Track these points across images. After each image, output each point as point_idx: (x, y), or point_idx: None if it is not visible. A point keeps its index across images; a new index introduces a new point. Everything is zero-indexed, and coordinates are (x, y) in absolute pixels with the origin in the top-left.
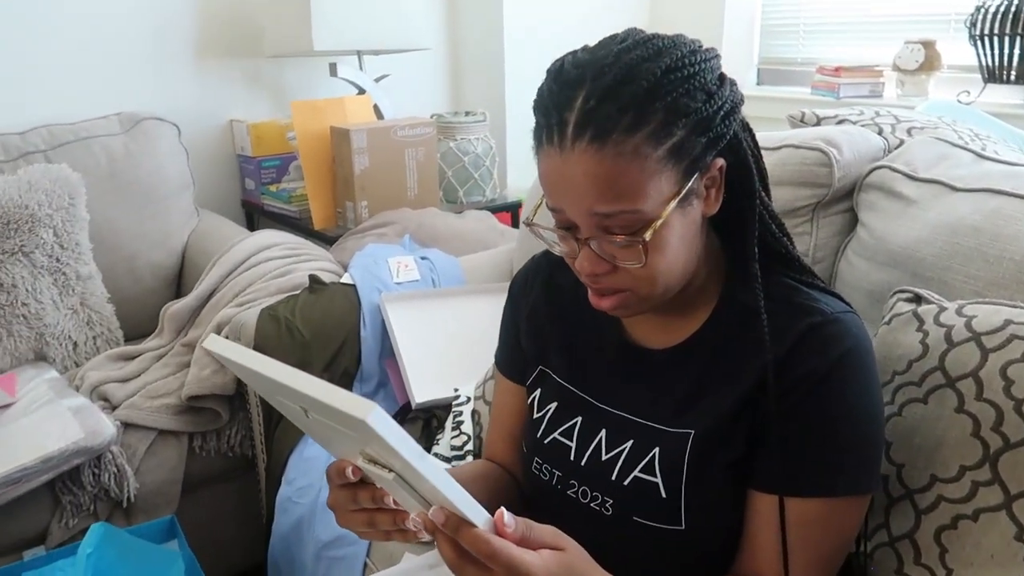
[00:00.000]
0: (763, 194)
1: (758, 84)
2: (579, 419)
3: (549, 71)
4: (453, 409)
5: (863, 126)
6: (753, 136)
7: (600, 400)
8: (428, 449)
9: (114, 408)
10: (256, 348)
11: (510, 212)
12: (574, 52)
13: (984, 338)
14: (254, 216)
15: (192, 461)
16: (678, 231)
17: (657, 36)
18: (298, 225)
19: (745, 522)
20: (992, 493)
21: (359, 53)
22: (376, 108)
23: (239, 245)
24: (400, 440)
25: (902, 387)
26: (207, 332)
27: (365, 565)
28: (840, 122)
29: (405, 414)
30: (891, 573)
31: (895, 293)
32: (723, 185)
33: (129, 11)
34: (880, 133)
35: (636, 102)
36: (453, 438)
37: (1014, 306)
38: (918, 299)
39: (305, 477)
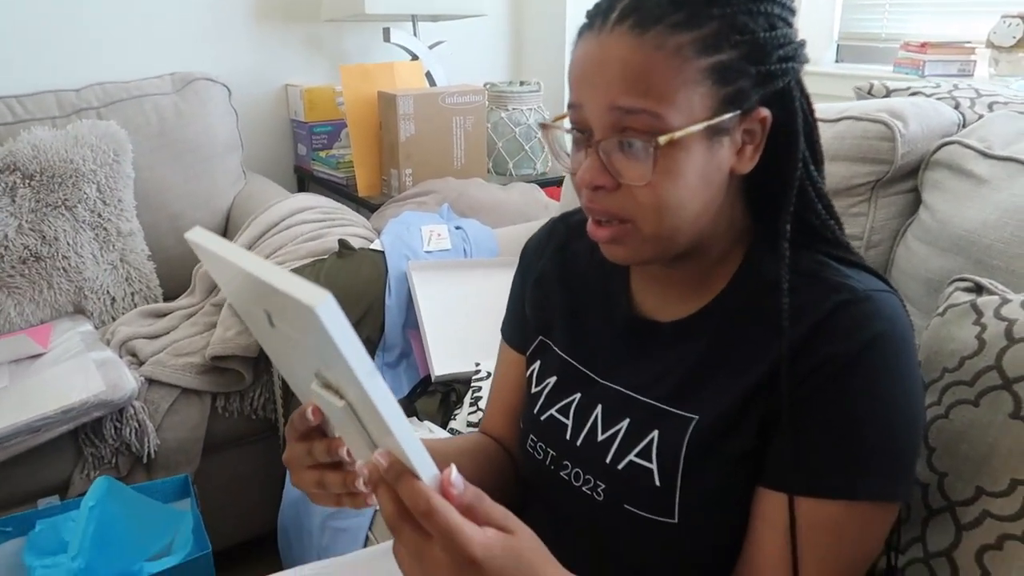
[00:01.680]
0: (812, 167)
1: (837, 61)
2: (578, 395)
3: None
4: (472, 384)
5: (939, 99)
6: (810, 102)
7: (602, 375)
8: (444, 424)
9: (141, 364)
10: None
11: (560, 187)
12: None
13: None
14: (305, 181)
15: (215, 421)
16: (698, 164)
17: None
18: (344, 192)
19: (750, 521)
20: None
21: (414, 18)
22: (429, 75)
23: (275, 207)
24: (349, 343)
25: (951, 386)
26: None
27: (367, 537)
28: (913, 94)
29: (426, 386)
30: None
31: (953, 281)
32: (763, 143)
33: None
34: (957, 107)
35: (691, 1)
36: (470, 414)
37: None
38: (979, 289)
39: None
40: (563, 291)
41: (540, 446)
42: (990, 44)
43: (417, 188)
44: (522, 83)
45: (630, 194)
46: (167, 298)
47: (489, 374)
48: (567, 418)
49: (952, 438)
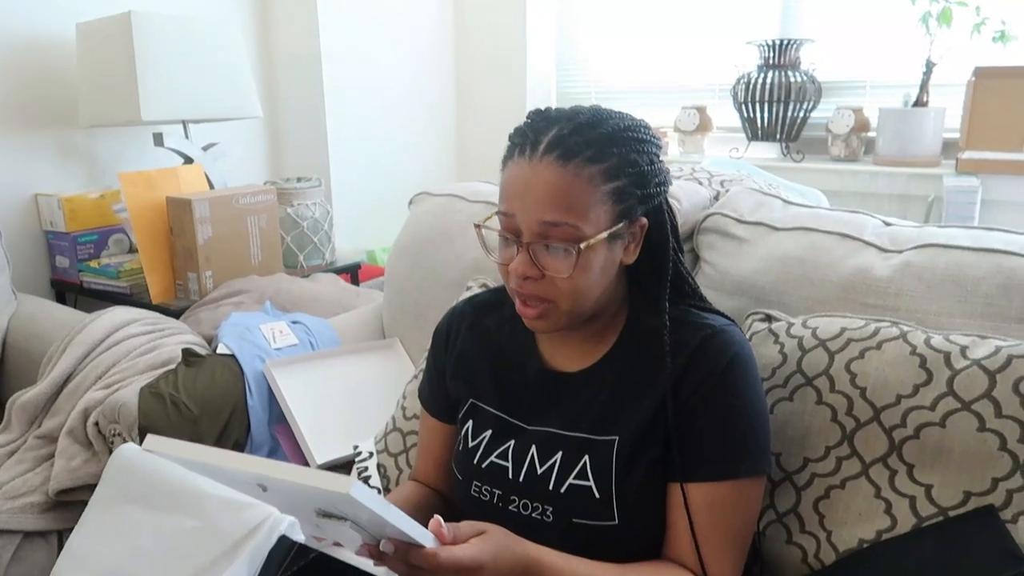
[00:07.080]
0: (679, 252)
1: None
2: (512, 442)
3: (530, 112)
4: (356, 466)
5: (686, 180)
6: (672, 211)
7: (528, 422)
8: None
9: None
10: (143, 428)
11: (350, 273)
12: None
13: (828, 343)
14: (66, 295)
15: None
16: (602, 261)
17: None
18: (129, 301)
19: (666, 513)
20: (852, 464)
21: (184, 122)
22: (206, 176)
23: (92, 325)
24: (381, 504)
25: (771, 390)
26: (72, 419)
27: None
28: None
29: None
30: (783, 543)
31: (750, 315)
32: (641, 242)
33: None
34: (700, 185)
35: (599, 142)
36: None
37: (843, 316)
38: (769, 318)
39: None
40: (484, 360)
41: (485, 489)
42: (677, 129)
43: (224, 289)
44: (299, 179)
45: (552, 282)
46: None
47: (371, 454)
48: (506, 461)
49: (780, 427)
